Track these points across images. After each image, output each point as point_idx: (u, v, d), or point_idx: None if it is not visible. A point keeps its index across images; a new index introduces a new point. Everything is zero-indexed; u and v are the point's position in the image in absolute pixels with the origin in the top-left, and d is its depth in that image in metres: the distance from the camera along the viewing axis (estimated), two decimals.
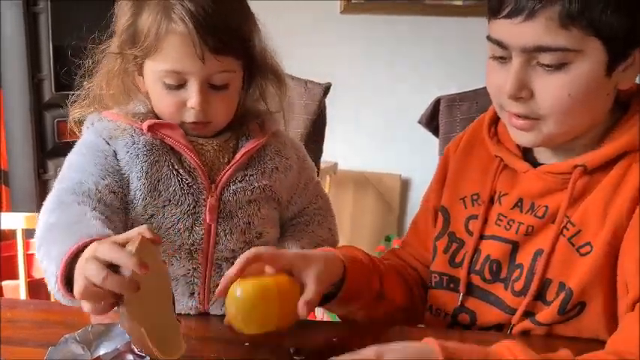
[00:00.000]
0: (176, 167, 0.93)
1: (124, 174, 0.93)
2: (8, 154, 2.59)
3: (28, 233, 1.76)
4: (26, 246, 1.74)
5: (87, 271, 0.68)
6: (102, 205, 0.88)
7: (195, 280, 0.96)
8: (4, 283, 2.10)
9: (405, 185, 2.86)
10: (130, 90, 0.97)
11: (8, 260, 2.10)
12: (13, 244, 2.09)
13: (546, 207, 0.85)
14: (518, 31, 0.78)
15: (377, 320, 0.95)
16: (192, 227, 0.94)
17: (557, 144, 0.85)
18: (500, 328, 0.89)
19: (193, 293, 0.97)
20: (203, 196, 0.94)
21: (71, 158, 0.96)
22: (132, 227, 0.87)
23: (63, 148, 2.53)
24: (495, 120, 0.95)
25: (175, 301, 0.83)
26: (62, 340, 0.76)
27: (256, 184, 0.97)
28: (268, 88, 1.01)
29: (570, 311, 0.82)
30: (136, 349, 0.77)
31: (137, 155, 0.93)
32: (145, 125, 0.93)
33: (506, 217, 0.90)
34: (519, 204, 0.89)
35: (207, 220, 0.94)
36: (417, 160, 2.61)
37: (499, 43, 0.81)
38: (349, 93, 2.61)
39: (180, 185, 0.93)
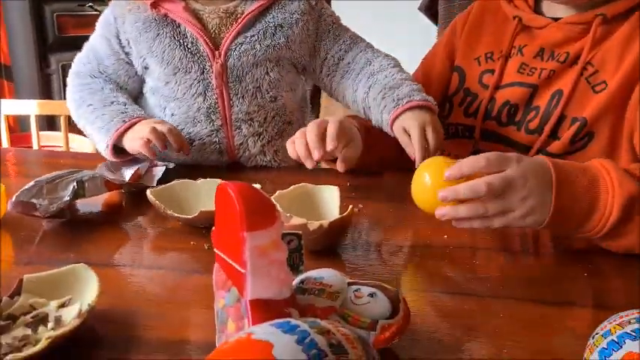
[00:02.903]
0: (177, 38, 1.02)
1: (131, 49, 1.05)
2: (10, 49, 2.60)
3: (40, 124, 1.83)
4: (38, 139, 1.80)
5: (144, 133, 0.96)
6: (115, 83, 1.08)
7: (220, 139, 1.06)
8: None
9: None
10: None
11: None
12: (25, 137, 2.16)
13: (567, 53, 0.95)
14: None
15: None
16: (205, 92, 1.03)
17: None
18: None
19: (222, 152, 1.07)
20: (209, 63, 1.02)
21: (92, 37, 1.10)
22: (154, 93, 1.07)
23: (64, 43, 2.58)
24: None
25: (208, 160, 1.06)
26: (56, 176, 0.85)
27: (258, 46, 1.02)
28: None
29: (579, 142, 0.92)
30: (157, 162, 1.00)
31: (140, 33, 1.02)
32: (148, 1, 1.02)
33: (528, 65, 0.99)
34: (541, 53, 0.99)
35: (216, 86, 1.02)
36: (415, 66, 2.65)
37: None
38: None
39: (184, 53, 1.01)
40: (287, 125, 1.10)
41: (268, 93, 1.06)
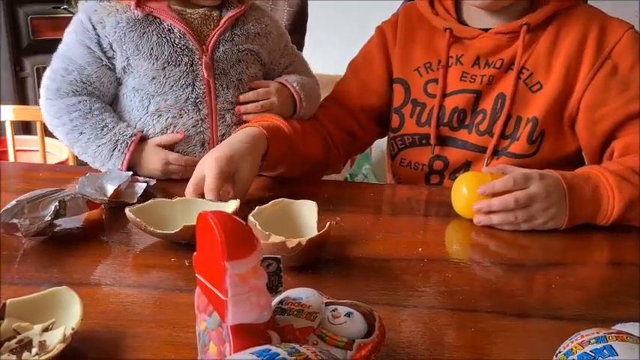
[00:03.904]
0: (163, 35, 1.07)
1: (114, 52, 1.06)
2: None
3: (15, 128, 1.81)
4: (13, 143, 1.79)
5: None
6: (99, 94, 1.09)
7: (205, 129, 1.10)
8: None
9: None
10: None
11: None
12: (1, 141, 2.14)
13: (502, 60, 1.07)
14: None
15: (302, 176, 1.11)
16: (193, 83, 1.08)
17: (502, 7, 1.05)
18: (469, 166, 1.11)
19: (204, 143, 1.11)
20: (197, 56, 1.08)
21: (66, 42, 1.10)
22: (138, 90, 1.08)
23: (39, 46, 2.55)
24: (431, 2, 1.15)
25: (190, 154, 1.10)
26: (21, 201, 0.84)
27: (242, 47, 1.12)
28: None
29: (535, 141, 1.05)
30: (139, 178, 1.01)
31: (124, 33, 1.05)
32: (132, 2, 1.05)
33: (469, 73, 1.10)
34: (477, 61, 1.10)
35: (206, 76, 1.08)
36: None
37: None
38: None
39: (174, 48, 1.07)
40: (265, 113, 1.15)
41: (249, 84, 1.14)
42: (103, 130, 1.07)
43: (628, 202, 0.88)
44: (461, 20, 1.13)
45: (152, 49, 1.06)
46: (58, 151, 2.21)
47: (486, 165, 1.07)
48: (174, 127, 1.09)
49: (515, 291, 0.73)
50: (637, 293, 0.72)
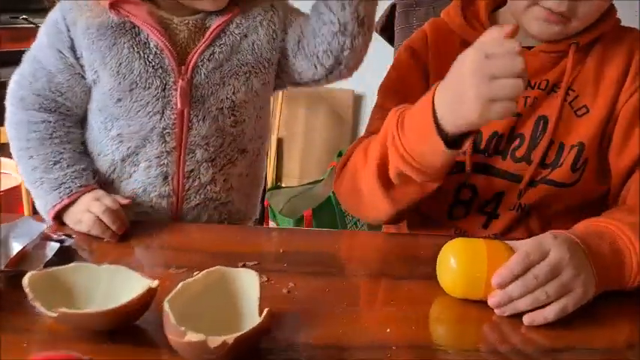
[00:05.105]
0: (137, 49, 0.89)
1: (83, 61, 0.91)
2: None
3: None
4: None
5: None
6: (67, 113, 0.95)
7: (169, 163, 0.95)
8: None
9: (358, 101, 2.81)
10: None
11: None
12: None
13: (547, 81, 0.94)
14: None
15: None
16: (162, 111, 0.91)
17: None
18: (500, 199, 0.96)
19: (167, 177, 0.95)
20: (172, 79, 0.90)
21: (38, 42, 0.94)
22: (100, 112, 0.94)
23: None
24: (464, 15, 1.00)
25: (149, 185, 0.95)
26: None
27: (226, 62, 0.92)
28: None
29: (579, 169, 0.93)
30: (53, 235, 0.84)
31: (92, 41, 0.89)
32: (106, 2, 0.88)
33: None
34: None
35: (179, 105, 0.91)
36: (370, 74, 2.54)
37: None
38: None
39: (145, 67, 0.89)
40: (240, 154, 0.99)
41: (230, 117, 0.95)
42: (55, 165, 0.92)
43: None
44: None
45: (120, 64, 0.89)
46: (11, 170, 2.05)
47: (519, 197, 0.94)
48: (136, 156, 0.94)
49: None
50: None
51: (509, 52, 0.69)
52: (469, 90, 0.70)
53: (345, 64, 0.94)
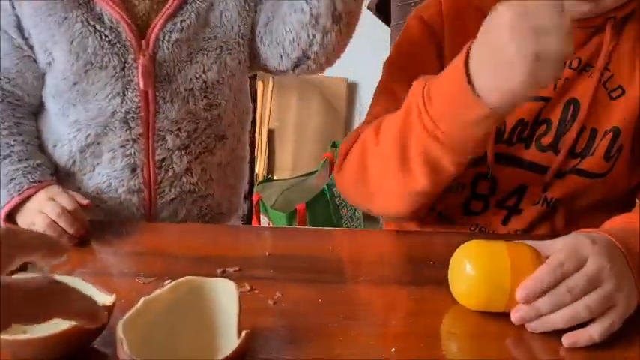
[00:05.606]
0: (91, 22, 0.80)
1: (33, 41, 0.82)
2: None
3: None
4: None
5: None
6: (18, 101, 0.86)
7: (136, 152, 0.86)
8: None
9: (352, 89, 2.73)
10: None
11: None
12: None
13: (579, 59, 0.85)
14: None
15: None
16: (123, 93, 0.83)
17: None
18: (523, 191, 0.87)
19: (135, 169, 0.86)
20: (132, 56, 0.82)
21: None
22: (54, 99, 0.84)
23: None
24: None
25: (115, 179, 0.86)
26: None
27: (192, 34, 0.83)
28: None
29: (612, 157, 0.84)
30: None
31: (40, 18, 0.80)
32: None
33: None
34: None
35: (142, 86, 0.82)
36: (365, 62, 2.44)
37: None
38: None
39: (99, 43, 0.80)
40: (219, 141, 0.90)
41: (203, 100, 0.86)
42: (4, 159, 0.82)
43: None
44: None
45: (72, 42, 0.79)
46: None
47: (545, 190, 0.85)
48: (98, 145, 0.85)
49: None
50: None
51: (554, 5, 0.59)
52: (510, 45, 0.59)
53: (314, 59, 0.84)
